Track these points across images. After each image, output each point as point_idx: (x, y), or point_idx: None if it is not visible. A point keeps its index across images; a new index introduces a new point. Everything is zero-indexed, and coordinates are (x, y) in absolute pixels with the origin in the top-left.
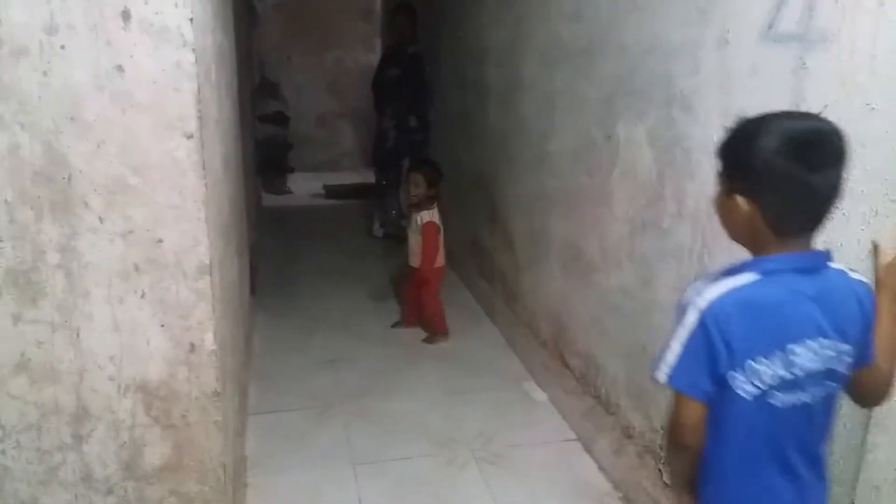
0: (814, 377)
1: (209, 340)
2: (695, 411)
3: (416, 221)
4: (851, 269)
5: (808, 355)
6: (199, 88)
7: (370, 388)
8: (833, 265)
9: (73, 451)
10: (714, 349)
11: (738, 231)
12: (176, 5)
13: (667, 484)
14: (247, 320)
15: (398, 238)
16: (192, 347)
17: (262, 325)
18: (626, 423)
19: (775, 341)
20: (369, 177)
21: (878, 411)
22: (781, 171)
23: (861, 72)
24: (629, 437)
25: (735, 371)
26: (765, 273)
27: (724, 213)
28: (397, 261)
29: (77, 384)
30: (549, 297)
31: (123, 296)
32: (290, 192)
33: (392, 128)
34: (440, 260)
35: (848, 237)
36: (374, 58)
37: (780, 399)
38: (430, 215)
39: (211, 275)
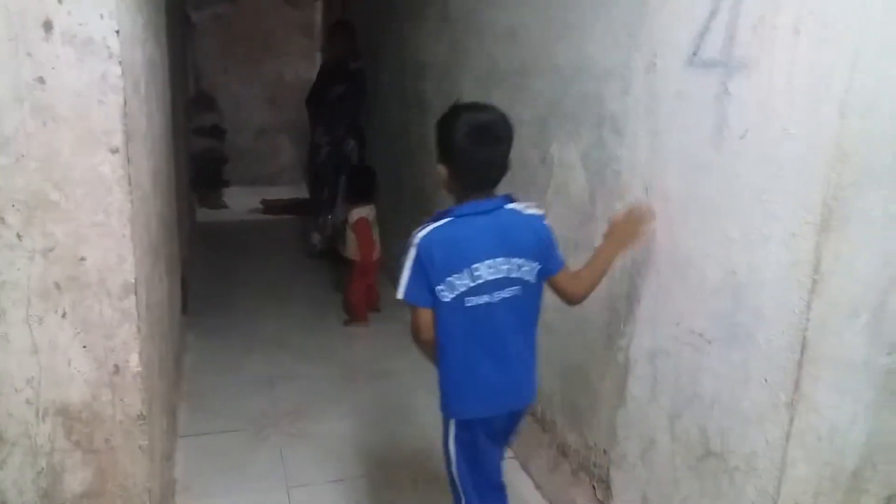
0: (494, 284)
1: (134, 361)
2: (424, 316)
3: (351, 219)
4: (528, 207)
5: (486, 270)
6: (125, 102)
7: (307, 409)
8: (510, 206)
9: None
10: (426, 270)
11: (446, 188)
12: (101, 17)
13: (600, 500)
14: (177, 340)
15: (333, 253)
16: (117, 369)
17: (194, 345)
18: (562, 440)
19: (463, 262)
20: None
21: (797, 427)
22: (462, 149)
23: (779, 98)
24: (564, 454)
25: (440, 285)
26: (457, 216)
27: (437, 176)
28: (333, 276)
29: None
30: None
31: (43, 315)
32: (225, 206)
33: (325, 143)
34: (376, 252)
35: (767, 257)
36: (315, 72)
37: (472, 301)
38: (359, 212)
39: (136, 294)
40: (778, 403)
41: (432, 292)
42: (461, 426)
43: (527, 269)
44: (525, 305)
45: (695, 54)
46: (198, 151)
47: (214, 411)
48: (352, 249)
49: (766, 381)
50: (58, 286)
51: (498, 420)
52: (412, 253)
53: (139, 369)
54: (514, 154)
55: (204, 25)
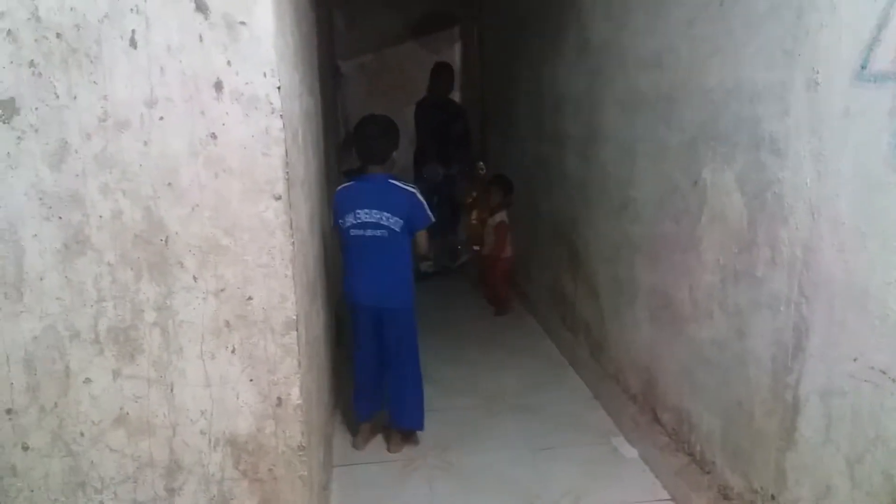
0: (369, 224)
1: (295, 394)
2: (335, 232)
3: (491, 223)
4: (406, 184)
5: (364, 214)
6: (286, 152)
7: (453, 441)
8: (392, 181)
9: None
10: (335, 210)
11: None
12: (265, 75)
13: None
14: (332, 373)
15: (445, 272)
16: (279, 402)
17: (347, 377)
18: (723, 482)
19: (352, 208)
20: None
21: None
22: (356, 137)
23: None
24: (726, 497)
25: (340, 219)
26: (356, 181)
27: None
28: (466, 302)
29: (170, 438)
30: (637, 349)
31: (215, 351)
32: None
33: (443, 176)
34: (509, 251)
35: None
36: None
37: (358, 232)
38: (501, 216)
39: (297, 330)
40: None
41: (338, 225)
42: (350, 308)
43: (393, 221)
44: (389, 243)
45: (863, 68)
46: None
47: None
48: (489, 247)
49: None
50: (228, 324)
51: (369, 309)
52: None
53: (300, 402)
54: (663, 181)
55: (350, 73)
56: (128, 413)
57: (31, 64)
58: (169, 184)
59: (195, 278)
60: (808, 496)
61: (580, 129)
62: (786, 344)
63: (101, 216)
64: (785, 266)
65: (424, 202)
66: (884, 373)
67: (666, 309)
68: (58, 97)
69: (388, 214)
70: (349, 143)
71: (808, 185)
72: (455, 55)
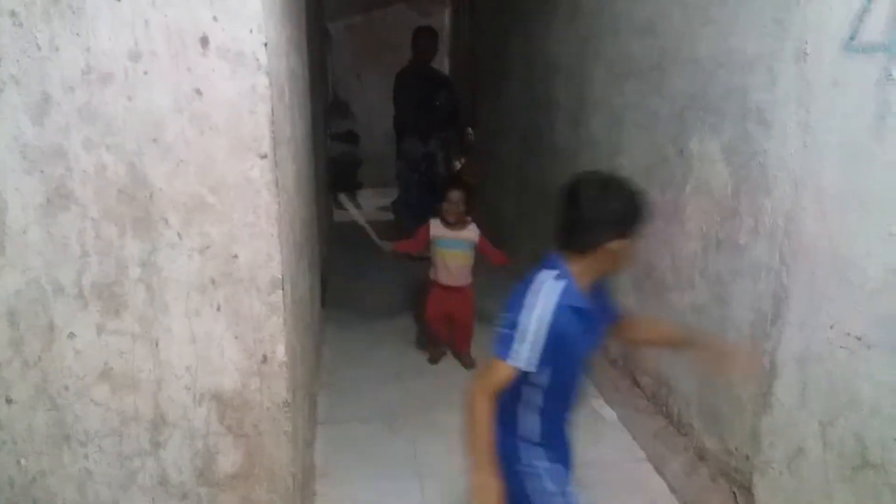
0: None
1: (280, 352)
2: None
3: (465, 239)
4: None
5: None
6: (272, 110)
7: (436, 403)
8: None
9: (151, 457)
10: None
11: None
12: (251, 31)
13: None
14: (317, 332)
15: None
16: (265, 359)
17: (332, 337)
18: (699, 444)
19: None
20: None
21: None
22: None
23: None
24: (702, 458)
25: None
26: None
27: None
28: None
29: (155, 393)
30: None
31: (200, 308)
32: (359, 207)
33: (439, 150)
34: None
35: None
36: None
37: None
38: (474, 230)
39: (283, 289)
40: None
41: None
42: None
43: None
44: None
45: (852, 38)
46: (335, 156)
47: (351, 401)
48: (460, 275)
49: None
50: (213, 282)
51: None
52: None
53: (285, 359)
54: (651, 149)
55: (339, 34)
56: (112, 368)
57: (12, 14)
58: (154, 139)
59: (180, 235)
60: (781, 457)
61: (570, 96)
62: (765, 311)
63: (84, 171)
64: (767, 235)
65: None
66: (859, 339)
67: (649, 277)
68: (39, 49)
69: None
70: (337, 107)
71: (792, 155)
72: (445, 19)
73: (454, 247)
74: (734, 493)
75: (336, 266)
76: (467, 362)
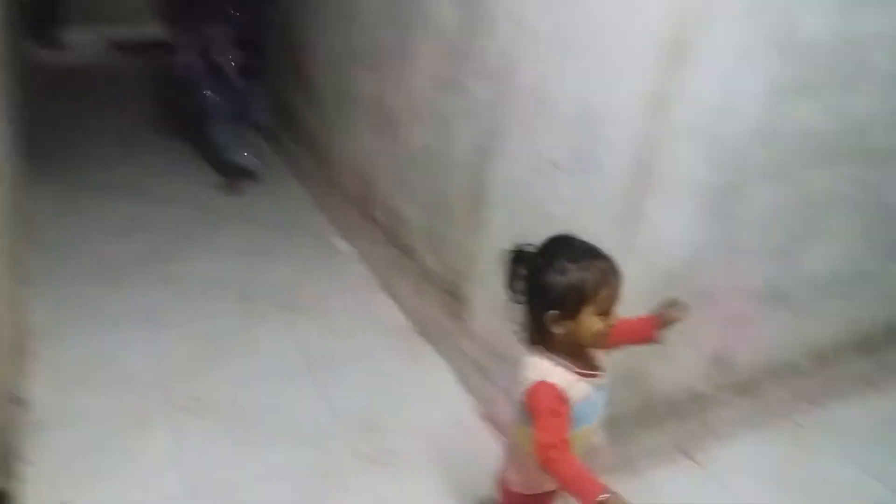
0: None
1: None
2: None
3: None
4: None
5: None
6: None
7: (169, 253)
8: None
9: None
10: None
11: None
12: None
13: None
14: (15, 186)
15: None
16: None
17: (45, 194)
18: (425, 266)
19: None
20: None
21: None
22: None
23: None
24: (427, 278)
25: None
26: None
27: None
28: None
29: None
30: (358, 156)
31: None
32: (64, 46)
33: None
34: None
35: (619, 90)
36: None
37: None
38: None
39: None
40: (623, 219)
41: None
42: None
43: None
44: None
45: None
46: None
47: (72, 259)
48: None
49: (610, 201)
50: None
51: None
52: None
53: None
54: None
55: None
56: None
57: None
58: None
59: None
60: (487, 270)
61: None
62: (483, 146)
63: None
64: (489, 76)
65: None
66: (555, 165)
67: (383, 117)
68: None
69: None
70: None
71: None
72: None
73: (597, 409)
74: (452, 302)
75: (44, 115)
76: None
